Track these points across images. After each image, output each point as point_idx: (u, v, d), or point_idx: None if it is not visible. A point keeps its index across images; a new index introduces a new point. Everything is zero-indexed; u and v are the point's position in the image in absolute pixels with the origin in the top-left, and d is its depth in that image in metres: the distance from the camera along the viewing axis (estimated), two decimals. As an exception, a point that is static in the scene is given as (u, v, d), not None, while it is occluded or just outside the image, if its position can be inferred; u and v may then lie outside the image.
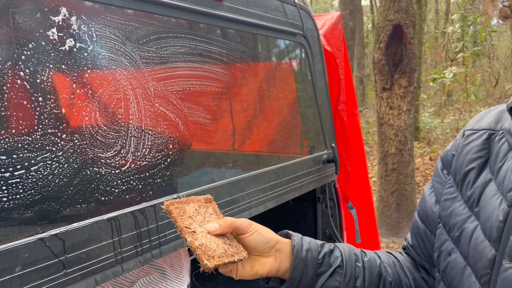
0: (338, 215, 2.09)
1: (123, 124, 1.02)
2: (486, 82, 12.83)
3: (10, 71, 0.80)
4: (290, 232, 0.92)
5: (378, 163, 5.20)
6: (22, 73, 0.81)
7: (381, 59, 4.75)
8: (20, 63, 0.81)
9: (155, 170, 1.09)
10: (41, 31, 0.85)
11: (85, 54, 0.94)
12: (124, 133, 1.02)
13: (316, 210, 2.06)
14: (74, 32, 0.92)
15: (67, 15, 0.90)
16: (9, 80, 0.79)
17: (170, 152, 1.14)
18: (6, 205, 0.78)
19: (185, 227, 0.82)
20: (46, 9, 0.86)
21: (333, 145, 1.94)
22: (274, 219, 2.16)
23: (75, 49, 0.92)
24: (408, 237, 0.94)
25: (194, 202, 0.88)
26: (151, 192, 1.07)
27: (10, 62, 0.79)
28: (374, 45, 4.94)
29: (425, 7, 12.62)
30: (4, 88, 0.79)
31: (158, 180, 1.10)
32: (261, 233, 0.85)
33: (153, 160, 1.09)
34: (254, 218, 1.48)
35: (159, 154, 1.11)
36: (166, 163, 1.13)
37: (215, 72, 1.34)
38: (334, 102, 2.18)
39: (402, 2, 4.62)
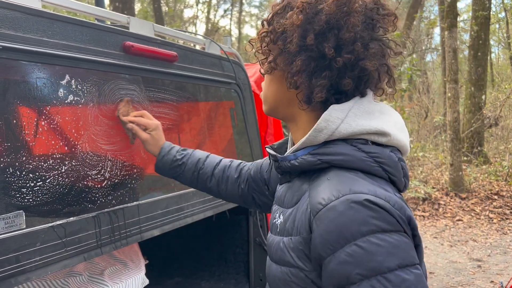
0: (266, 227, 2.58)
1: (103, 153, 1.47)
2: (418, 115, 13.97)
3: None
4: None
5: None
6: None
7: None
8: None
9: (125, 183, 1.54)
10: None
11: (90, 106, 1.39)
12: (103, 158, 1.47)
13: (249, 222, 2.54)
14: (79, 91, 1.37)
15: (72, 81, 1.36)
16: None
17: (136, 174, 1.60)
18: (31, 204, 1.21)
19: None
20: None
21: (260, 169, 2.44)
22: (215, 228, 2.61)
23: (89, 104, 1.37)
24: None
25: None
26: (121, 198, 1.52)
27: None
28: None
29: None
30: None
31: (127, 190, 1.55)
32: (155, 139, 1.54)
33: (124, 176, 1.54)
34: (197, 224, 1.94)
35: (128, 172, 1.56)
36: (132, 180, 1.58)
37: (170, 111, 1.82)
38: (263, 134, 2.70)
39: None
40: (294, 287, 0.93)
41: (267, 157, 1.40)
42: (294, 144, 1.11)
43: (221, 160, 1.54)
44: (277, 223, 1.04)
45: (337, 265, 0.84)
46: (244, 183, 1.45)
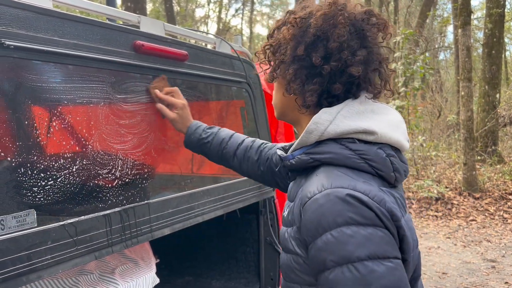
0: (276, 226, 2.57)
1: (114, 153, 1.47)
2: (431, 114, 13.82)
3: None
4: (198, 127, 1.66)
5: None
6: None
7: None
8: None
9: (136, 182, 1.54)
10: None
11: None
12: (114, 157, 1.47)
13: (259, 222, 2.53)
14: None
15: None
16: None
17: (146, 173, 1.60)
18: (43, 203, 1.22)
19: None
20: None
21: (271, 168, 2.43)
22: (226, 227, 2.62)
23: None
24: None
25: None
26: (132, 197, 1.52)
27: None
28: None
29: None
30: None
31: (137, 189, 1.55)
32: (182, 118, 1.65)
33: (134, 175, 1.54)
34: (207, 223, 1.94)
35: (138, 171, 1.56)
36: (142, 179, 1.58)
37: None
38: (274, 133, 2.69)
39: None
40: (297, 273, 1.03)
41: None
42: None
43: (243, 141, 1.64)
44: (284, 215, 1.15)
45: (316, 252, 0.94)
46: (264, 165, 1.56)
